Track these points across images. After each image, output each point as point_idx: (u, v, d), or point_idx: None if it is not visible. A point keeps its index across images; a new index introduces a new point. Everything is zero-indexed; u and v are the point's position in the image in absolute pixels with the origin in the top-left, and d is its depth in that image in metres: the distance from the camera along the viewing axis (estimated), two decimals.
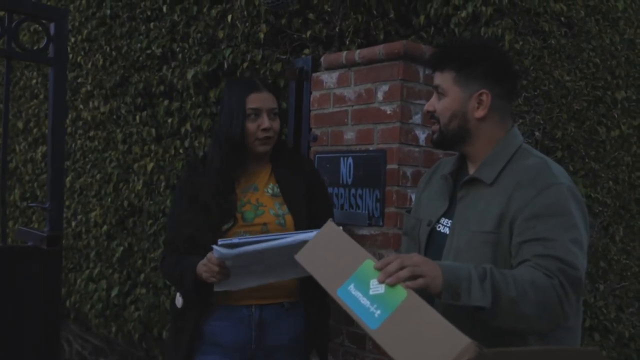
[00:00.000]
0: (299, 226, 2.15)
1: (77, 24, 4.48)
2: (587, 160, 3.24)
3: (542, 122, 3.00)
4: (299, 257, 1.60)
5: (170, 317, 2.33)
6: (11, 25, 2.25)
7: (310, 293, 2.16)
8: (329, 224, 1.59)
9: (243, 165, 2.20)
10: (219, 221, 2.10)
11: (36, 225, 4.74)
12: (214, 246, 1.87)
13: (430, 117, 1.78)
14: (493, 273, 1.46)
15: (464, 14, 2.87)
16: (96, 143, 4.35)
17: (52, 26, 2.34)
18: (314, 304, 2.22)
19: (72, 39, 4.51)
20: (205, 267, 1.96)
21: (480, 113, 1.70)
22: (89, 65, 4.35)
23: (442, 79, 1.73)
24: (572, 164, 3.14)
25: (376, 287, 1.37)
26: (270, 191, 2.24)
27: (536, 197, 1.59)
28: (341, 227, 1.60)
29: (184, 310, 2.16)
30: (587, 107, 3.22)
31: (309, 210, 2.22)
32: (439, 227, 1.78)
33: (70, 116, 4.60)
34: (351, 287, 1.40)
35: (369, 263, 1.42)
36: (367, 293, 1.37)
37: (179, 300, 2.18)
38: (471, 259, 1.63)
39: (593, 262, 3.23)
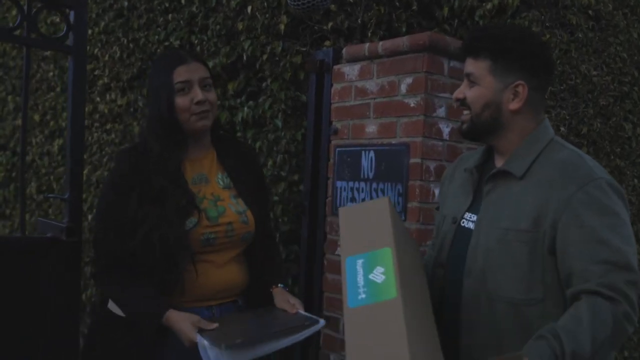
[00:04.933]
0: (260, 223, 2.01)
1: (94, 15, 4.45)
2: (612, 157, 3.17)
3: (567, 117, 2.93)
4: (342, 210, 1.58)
5: (100, 322, 2.01)
6: (30, 13, 2.21)
7: (257, 289, 2.03)
8: (384, 199, 1.57)
9: (184, 148, 1.95)
10: (179, 215, 1.87)
11: (52, 218, 4.73)
12: (206, 348, 1.68)
13: (460, 104, 1.70)
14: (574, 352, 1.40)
15: (489, 6, 2.81)
16: (113, 136, 4.33)
17: (71, 14, 2.30)
18: (260, 298, 2.05)
19: (90, 31, 4.48)
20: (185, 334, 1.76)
21: (515, 105, 1.63)
22: (106, 58, 4.33)
23: (476, 66, 1.65)
24: (597, 161, 3.06)
25: (377, 275, 1.37)
26: (221, 182, 2.02)
27: (576, 193, 1.52)
28: (388, 205, 1.54)
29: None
30: (614, 103, 3.16)
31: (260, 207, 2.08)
32: (463, 222, 1.72)
33: (86, 109, 4.57)
34: (359, 262, 1.41)
35: (387, 250, 1.41)
36: (367, 275, 1.37)
37: (119, 310, 1.91)
38: (504, 258, 1.57)
39: None
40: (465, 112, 1.69)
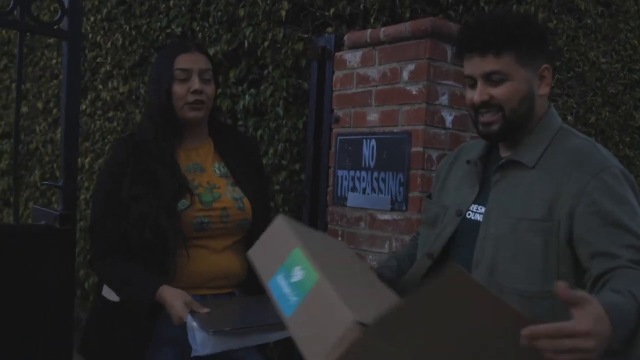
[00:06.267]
0: (257, 210, 2.00)
1: (96, 2, 4.41)
2: (621, 146, 3.11)
3: (575, 105, 2.87)
4: (250, 253, 1.53)
5: (96, 310, 2.02)
6: None
7: (255, 281, 2.03)
8: (278, 217, 1.51)
9: (179, 137, 1.97)
10: (172, 198, 1.87)
11: (55, 206, 4.71)
12: (194, 330, 1.66)
13: (483, 107, 1.55)
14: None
15: None
16: (115, 124, 4.29)
17: None
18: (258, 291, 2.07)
19: (92, 18, 4.45)
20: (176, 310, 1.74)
21: (544, 90, 1.57)
22: (109, 45, 4.29)
23: (500, 62, 1.52)
24: None
25: (297, 274, 1.32)
26: (218, 171, 2.03)
27: (591, 181, 1.47)
28: (284, 219, 1.50)
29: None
30: (623, 91, 3.08)
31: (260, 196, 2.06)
32: (469, 214, 1.65)
33: (89, 97, 4.54)
34: (280, 277, 1.36)
35: (296, 251, 1.36)
36: (290, 281, 1.32)
37: (112, 294, 1.90)
38: (515, 248, 1.51)
39: None
40: (490, 113, 1.55)
